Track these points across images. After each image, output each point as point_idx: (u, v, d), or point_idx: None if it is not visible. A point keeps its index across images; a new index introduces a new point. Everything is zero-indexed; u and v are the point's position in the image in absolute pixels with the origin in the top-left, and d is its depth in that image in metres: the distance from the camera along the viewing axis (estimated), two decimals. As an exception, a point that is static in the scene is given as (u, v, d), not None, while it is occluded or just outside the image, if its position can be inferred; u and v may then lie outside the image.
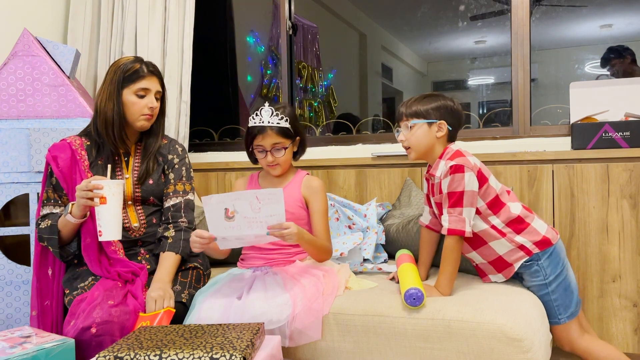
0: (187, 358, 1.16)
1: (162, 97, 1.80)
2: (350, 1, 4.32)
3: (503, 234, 1.63)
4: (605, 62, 2.91)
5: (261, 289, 1.58)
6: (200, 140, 3.09)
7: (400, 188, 2.30)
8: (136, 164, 1.78)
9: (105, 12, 2.72)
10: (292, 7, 2.88)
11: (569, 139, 2.17)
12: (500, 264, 1.66)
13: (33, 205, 2.07)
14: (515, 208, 1.65)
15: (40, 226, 1.68)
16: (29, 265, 2.05)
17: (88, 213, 1.63)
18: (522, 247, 1.63)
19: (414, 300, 1.46)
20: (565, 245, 2.00)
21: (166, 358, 1.16)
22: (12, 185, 2.07)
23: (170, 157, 1.83)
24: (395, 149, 2.41)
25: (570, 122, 2.17)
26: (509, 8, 2.40)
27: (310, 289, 1.56)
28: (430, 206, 1.77)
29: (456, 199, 1.57)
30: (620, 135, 1.99)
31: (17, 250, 2.16)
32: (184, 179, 1.82)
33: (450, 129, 1.68)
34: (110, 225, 1.52)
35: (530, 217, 1.65)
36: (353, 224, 2.10)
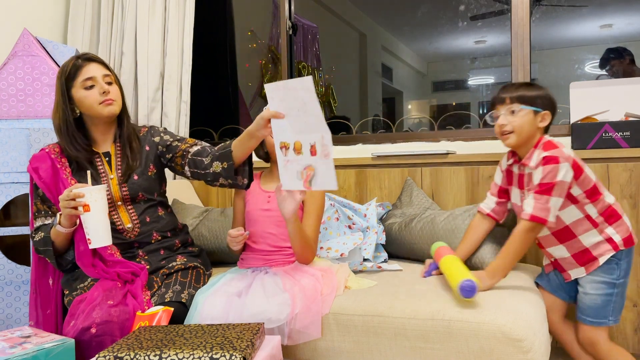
0: (187, 358, 1.16)
1: (117, 82, 1.74)
2: (350, 1, 4.32)
3: (595, 224, 1.61)
4: (604, 62, 2.91)
5: (261, 288, 1.58)
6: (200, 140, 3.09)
7: (400, 188, 2.30)
8: (118, 163, 1.75)
9: (105, 12, 2.72)
10: (292, 7, 2.88)
11: (569, 139, 2.17)
12: (584, 256, 1.64)
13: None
14: (609, 197, 1.63)
15: (35, 239, 1.67)
16: (29, 265, 2.05)
17: (78, 221, 1.60)
18: (610, 241, 1.61)
19: (468, 291, 1.42)
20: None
21: (166, 358, 1.16)
22: (12, 185, 2.07)
23: (156, 139, 1.79)
24: (395, 149, 2.41)
25: (571, 122, 2.17)
26: (509, 8, 2.40)
27: (309, 289, 1.56)
28: (501, 197, 1.78)
29: (547, 188, 1.55)
30: (620, 135, 1.99)
31: (17, 250, 2.16)
32: (186, 139, 1.81)
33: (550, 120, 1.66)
34: (97, 232, 1.50)
35: (621, 211, 1.64)
36: (353, 224, 2.11)
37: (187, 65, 2.66)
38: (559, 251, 1.69)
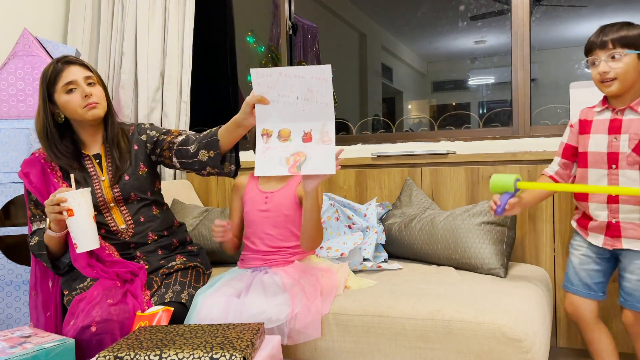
0: (187, 358, 1.16)
1: (101, 83, 1.71)
2: (350, 1, 4.33)
3: None
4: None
5: (260, 288, 1.58)
6: (200, 140, 3.09)
7: (400, 188, 2.31)
8: (109, 164, 1.73)
9: (105, 12, 2.72)
10: (292, 7, 2.88)
11: (569, 139, 2.16)
12: None
13: (33, 205, 2.08)
14: None
15: (31, 243, 1.67)
16: (29, 265, 2.05)
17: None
18: None
19: None
20: (565, 245, 2.00)
21: (166, 358, 1.16)
22: (12, 185, 2.07)
23: (143, 137, 1.78)
24: (395, 149, 2.41)
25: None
26: (509, 8, 2.40)
27: (309, 289, 1.56)
28: (566, 157, 1.71)
29: None
30: (621, 135, 1.98)
31: (17, 250, 2.16)
32: (171, 130, 1.79)
33: None
34: (82, 237, 1.49)
35: None
36: (353, 224, 2.11)
37: (187, 65, 2.66)
38: (633, 214, 1.58)
